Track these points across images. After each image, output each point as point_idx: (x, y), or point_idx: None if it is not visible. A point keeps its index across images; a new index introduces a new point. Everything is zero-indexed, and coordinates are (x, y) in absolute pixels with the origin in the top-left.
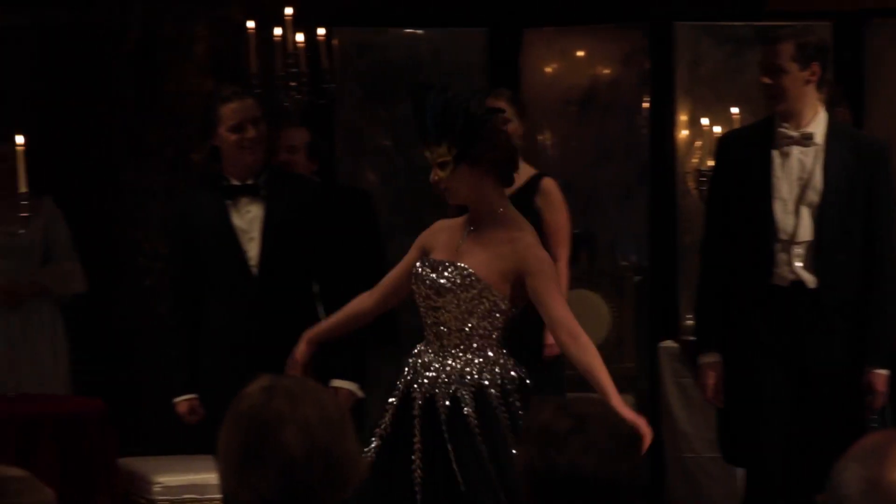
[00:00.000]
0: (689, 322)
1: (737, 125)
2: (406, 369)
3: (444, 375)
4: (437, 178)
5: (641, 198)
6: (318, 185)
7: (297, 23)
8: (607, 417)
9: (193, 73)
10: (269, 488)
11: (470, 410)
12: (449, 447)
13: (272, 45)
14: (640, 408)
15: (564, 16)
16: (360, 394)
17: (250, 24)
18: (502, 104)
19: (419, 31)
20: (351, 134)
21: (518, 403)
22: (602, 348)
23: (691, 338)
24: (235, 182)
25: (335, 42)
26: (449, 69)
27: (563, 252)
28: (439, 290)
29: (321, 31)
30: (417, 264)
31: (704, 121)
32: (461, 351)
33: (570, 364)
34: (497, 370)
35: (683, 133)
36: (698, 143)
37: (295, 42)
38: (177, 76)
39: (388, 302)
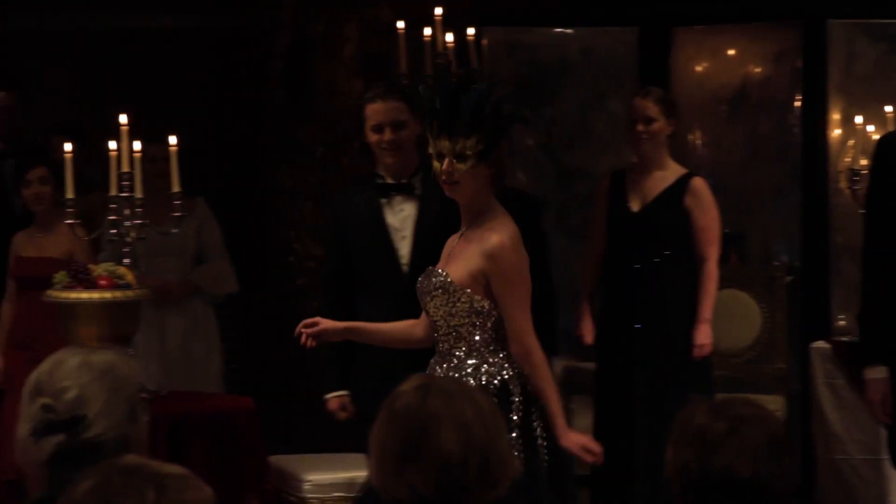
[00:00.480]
0: (842, 323)
1: (891, 124)
2: None
3: None
4: (451, 168)
5: (793, 197)
6: None
7: (447, 23)
8: (762, 419)
9: (343, 73)
10: (426, 486)
11: None
12: None
13: (422, 45)
14: (791, 409)
15: (715, 14)
16: None
17: (400, 24)
18: (649, 104)
19: (569, 31)
20: None
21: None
22: (753, 349)
23: (844, 338)
24: (390, 180)
25: (484, 42)
26: (598, 68)
27: (714, 252)
28: (422, 296)
29: (471, 30)
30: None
31: (858, 119)
32: (450, 355)
33: (719, 364)
34: (479, 373)
35: (836, 132)
36: (851, 142)
37: (444, 42)
38: (327, 77)
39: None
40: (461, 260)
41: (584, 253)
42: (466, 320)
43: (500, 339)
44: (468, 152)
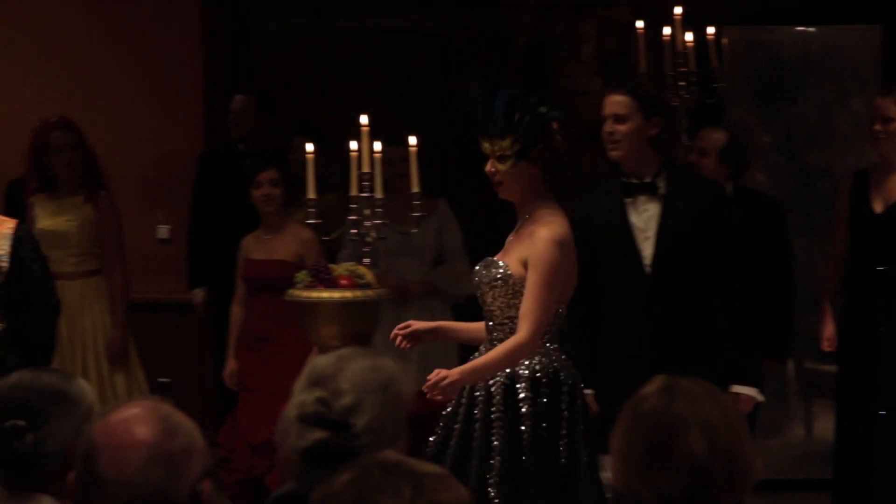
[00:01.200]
0: None
1: None
2: None
3: None
4: (494, 169)
5: None
6: (719, 188)
7: (687, 22)
8: None
9: (582, 73)
10: (673, 489)
11: (499, 400)
12: (475, 436)
13: (661, 44)
14: None
15: None
16: (760, 398)
17: (639, 23)
18: (888, 103)
19: (811, 29)
20: (741, 134)
21: (545, 400)
22: None
23: None
24: (634, 180)
25: (725, 41)
26: (841, 67)
27: None
28: (479, 286)
29: (711, 29)
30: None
31: None
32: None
33: None
34: (533, 363)
35: None
36: None
37: (684, 41)
38: (565, 76)
39: None
40: (514, 252)
41: (827, 254)
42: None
43: (551, 332)
44: (506, 153)
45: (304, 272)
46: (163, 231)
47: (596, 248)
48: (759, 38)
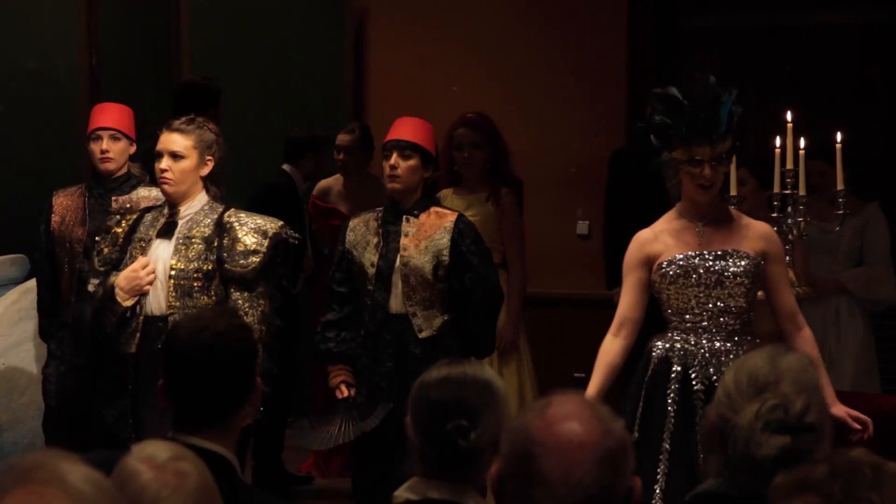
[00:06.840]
0: None
1: None
2: None
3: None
4: (714, 173)
5: None
6: None
7: None
8: None
9: None
10: None
11: None
12: None
13: None
14: None
15: None
16: None
17: None
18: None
19: None
20: None
21: None
22: None
23: None
24: None
25: None
26: None
27: None
28: (730, 278)
29: None
30: None
31: None
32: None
33: None
34: None
35: None
36: None
37: None
38: None
39: None
40: (745, 246)
41: None
42: None
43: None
44: (724, 155)
45: None
46: (582, 227)
47: None
48: None
